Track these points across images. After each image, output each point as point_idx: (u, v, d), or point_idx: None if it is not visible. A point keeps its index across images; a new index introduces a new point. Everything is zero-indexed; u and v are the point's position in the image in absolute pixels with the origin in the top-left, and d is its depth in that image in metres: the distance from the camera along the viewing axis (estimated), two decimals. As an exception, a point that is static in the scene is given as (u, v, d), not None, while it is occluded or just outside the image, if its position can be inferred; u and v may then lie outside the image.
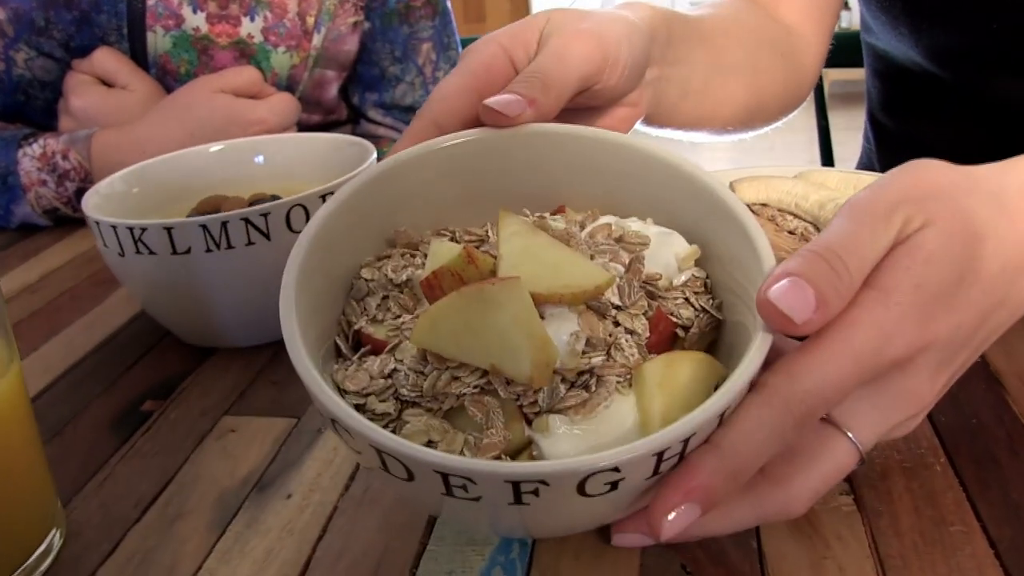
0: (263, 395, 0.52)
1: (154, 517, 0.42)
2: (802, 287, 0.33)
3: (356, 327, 0.39)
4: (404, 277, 0.40)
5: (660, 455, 0.31)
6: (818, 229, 0.62)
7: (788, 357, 0.33)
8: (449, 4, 1.08)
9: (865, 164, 1.03)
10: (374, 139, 1.07)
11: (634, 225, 0.42)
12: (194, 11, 0.90)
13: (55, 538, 0.40)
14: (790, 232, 0.63)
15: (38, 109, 0.94)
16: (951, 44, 0.81)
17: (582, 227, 0.42)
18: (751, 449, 0.32)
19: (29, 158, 0.83)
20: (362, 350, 0.39)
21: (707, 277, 0.41)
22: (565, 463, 0.30)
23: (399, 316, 0.39)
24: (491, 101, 0.43)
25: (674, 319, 0.38)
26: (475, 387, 0.36)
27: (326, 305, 0.40)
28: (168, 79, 0.92)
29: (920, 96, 0.90)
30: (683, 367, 0.36)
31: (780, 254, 0.57)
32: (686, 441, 0.31)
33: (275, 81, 0.95)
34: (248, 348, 0.57)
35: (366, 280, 0.41)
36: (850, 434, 0.35)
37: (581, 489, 0.31)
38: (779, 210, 0.66)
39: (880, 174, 0.48)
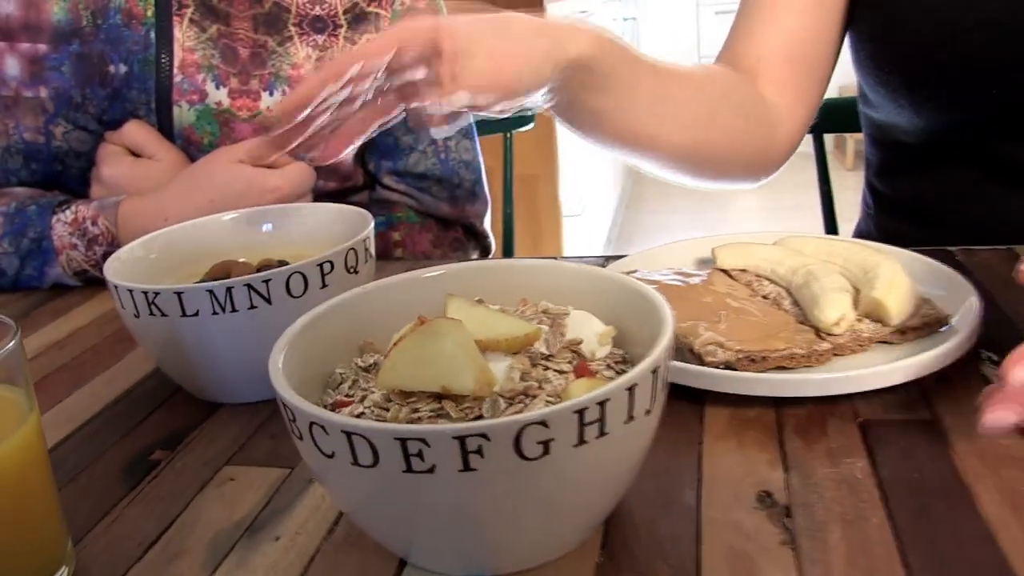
0: (262, 447, 0.56)
1: (154, 556, 0.46)
2: None
3: (332, 401, 0.45)
4: (371, 362, 0.48)
5: (581, 413, 0.36)
6: (790, 294, 0.66)
7: None
8: (461, 77, 1.14)
9: (863, 229, 1.07)
10: (388, 204, 1.13)
11: (559, 306, 0.50)
12: (217, 87, 0.96)
13: (64, 574, 0.44)
14: (764, 296, 0.67)
15: (73, 177, 1.00)
16: (952, 113, 0.85)
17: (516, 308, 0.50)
18: None
19: (62, 223, 0.89)
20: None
21: (625, 353, 0.48)
22: (501, 419, 0.36)
23: (365, 388, 0.45)
24: None
25: (597, 374, 0.44)
26: (430, 412, 0.42)
27: (307, 395, 0.45)
28: (192, 149, 0.98)
29: (918, 164, 0.94)
30: (600, 383, 0.41)
31: (750, 318, 0.61)
32: (602, 404, 0.37)
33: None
34: (251, 404, 0.61)
35: (340, 372, 0.48)
36: None
37: (519, 448, 0.35)
38: (756, 275, 0.70)
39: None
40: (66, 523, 0.46)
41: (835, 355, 0.59)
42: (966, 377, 0.56)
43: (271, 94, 0.98)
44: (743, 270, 0.71)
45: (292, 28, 0.99)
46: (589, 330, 0.47)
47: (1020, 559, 0.41)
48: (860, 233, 1.07)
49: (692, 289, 0.67)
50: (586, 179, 2.86)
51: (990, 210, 0.88)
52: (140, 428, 0.60)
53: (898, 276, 0.62)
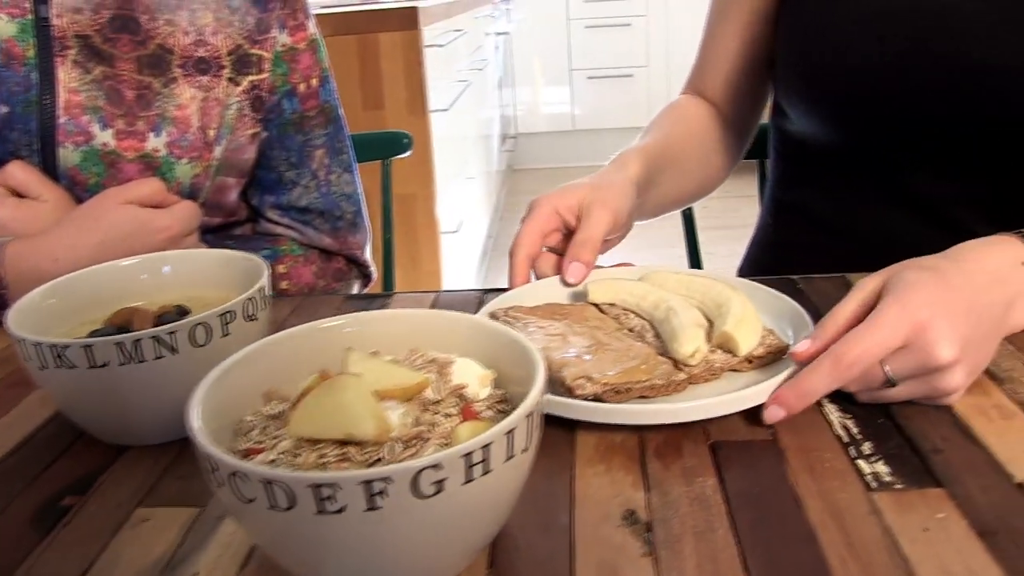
0: (171, 487, 0.60)
1: (78, 598, 0.50)
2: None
3: (243, 448, 0.50)
4: (278, 410, 0.53)
5: (469, 456, 0.42)
6: (653, 327, 0.74)
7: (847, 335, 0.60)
8: (341, 112, 1.18)
9: (760, 236, 1.17)
10: (273, 236, 1.17)
11: (444, 355, 0.56)
12: (102, 128, 0.98)
13: (-8, 619, 0.48)
14: (630, 329, 0.74)
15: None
16: (860, 136, 0.96)
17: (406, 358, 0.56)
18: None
19: (-54, 267, 0.90)
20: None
21: (504, 392, 0.54)
22: (401, 464, 0.42)
23: (275, 435, 0.50)
24: (570, 270, 0.81)
25: (482, 417, 0.50)
26: (336, 456, 0.47)
27: (219, 444, 0.50)
28: (77, 190, 0.99)
29: (822, 177, 1.04)
30: (486, 426, 0.48)
31: (615, 352, 0.68)
32: (486, 447, 0.43)
33: (179, 190, 1.03)
34: (157, 445, 0.65)
35: (248, 420, 0.53)
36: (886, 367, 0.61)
37: (416, 488, 0.41)
38: (624, 309, 0.77)
39: (714, 275, 0.70)
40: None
41: (691, 383, 0.67)
42: (800, 399, 0.64)
43: (157, 135, 1.00)
44: (612, 304, 0.78)
45: (176, 69, 1.02)
46: (472, 374, 0.53)
47: (835, 555, 0.49)
48: (757, 243, 1.17)
49: (566, 324, 0.74)
50: (462, 197, 2.93)
51: (887, 231, 0.99)
52: (46, 474, 0.63)
53: (747, 311, 0.70)
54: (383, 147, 1.53)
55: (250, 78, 1.06)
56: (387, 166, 1.54)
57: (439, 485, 0.42)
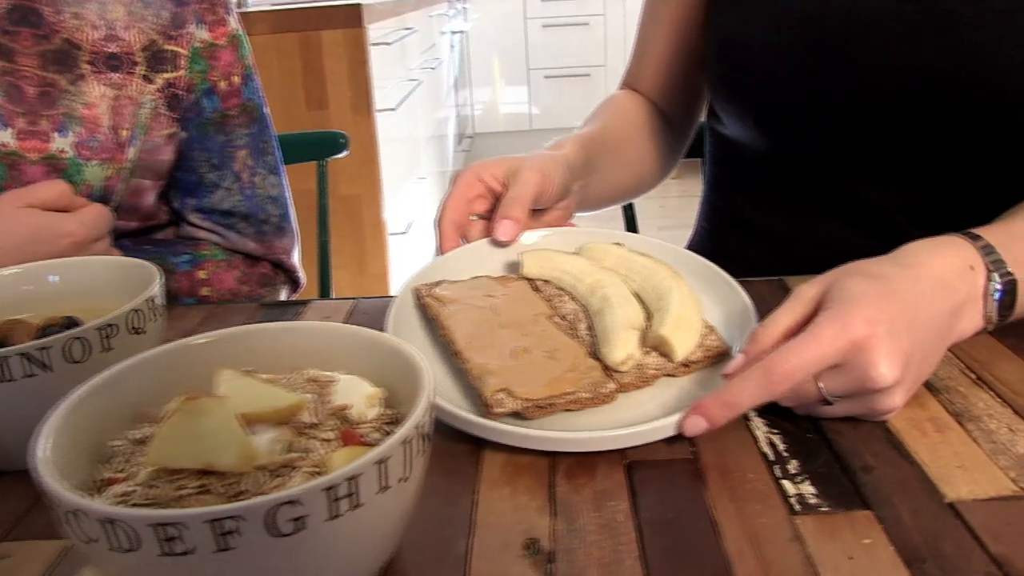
0: (42, 518, 0.55)
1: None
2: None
3: (103, 477, 0.45)
4: (145, 435, 0.48)
5: (331, 490, 0.38)
6: (588, 315, 0.69)
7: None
8: (266, 111, 1.13)
9: (696, 241, 1.13)
10: (194, 241, 1.11)
11: (327, 373, 0.50)
12: (3, 127, 0.93)
13: None
14: (562, 317, 0.70)
15: None
16: (792, 144, 0.93)
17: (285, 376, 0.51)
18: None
19: None
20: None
21: (396, 412, 0.49)
22: (253, 500, 0.37)
23: (137, 464, 0.45)
24: (499, 228, 0.77)
25: (365, 439, 0.46)
26: (195, 488, 0.42)
27: (76, 472, 0.45)
28: (-24, 193, 0.94)
29: (756, 182, 1.01)
30: (362, 451, 0.43)
31: (542, 358, 0.64)
32: (353, 479, 0.38)
33: (89, 193, 0.98)
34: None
35: (113, 445, 0.48)
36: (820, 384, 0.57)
37: (272, 526, 0.37)
38: (559, 289, 0.73)
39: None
40: None
41: (621, 391, 0.63)
42: (725, 413, 0.60)
43: (63, 135, 0.95)
44: (547, 281, 0.74)
45: (85, 66, 0.97)
46: (358, 394, 0.49)
47: (752, 592, 0.45)
48: (692, 248, 1.14)
49: (494, 314, 0.69)
50: (412, 198, 2.88)
51: (822, 237, 0.96)
52: (-89, 502, 0.58)
53: (686, 309, 0.66)
54: (319, 147, 1.48)
55: (165, 75, 1.01)
56: (323, 167, 1.49)
57: (299, 522, 0.38)
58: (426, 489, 0.51)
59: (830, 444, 0.58)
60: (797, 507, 0.51)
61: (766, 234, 1.00)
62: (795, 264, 0.85)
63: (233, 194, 1.10)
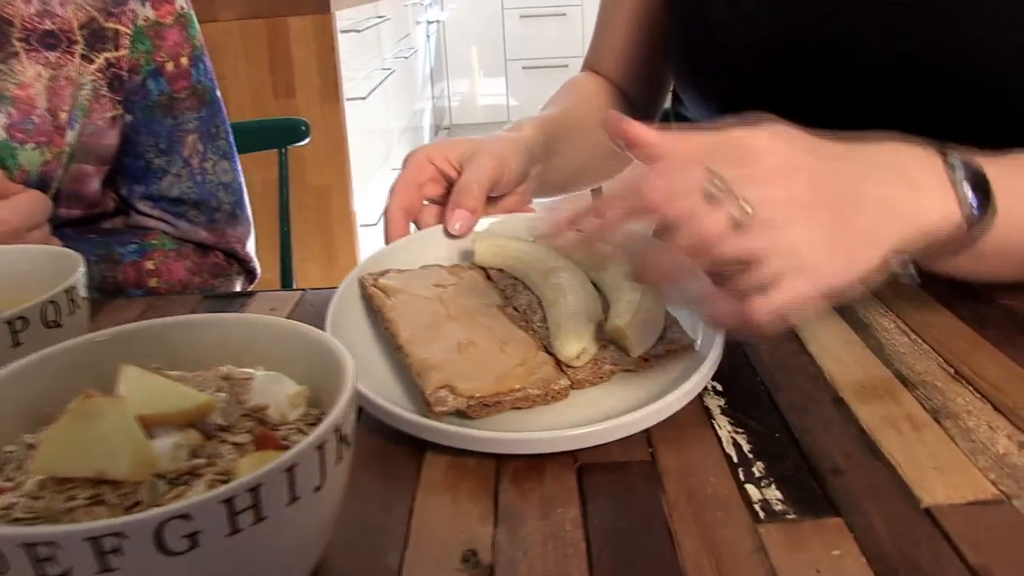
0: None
1: None
2: None
3: None
4: (36, 440, 0.43)
5: (230, 502, 0.33)
6: (542, 306, 0.65)
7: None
8: (218, 94, 1.08)
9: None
10: (145, 230, 1.06)
11: (246, 370, 0.45)
12: (-71, 108, 0.88)
13: None
14: (515, 308, 0.65)
15: None
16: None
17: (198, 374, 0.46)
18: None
19: None
20: None
21: (322, 412, 0.44)
22: (137, 515, 0.32)
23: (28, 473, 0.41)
24: (452, 219, 0.72)
25: (285, 442, 0.41)
26: (88, 499, 0.38)
27: None
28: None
29: None
30: (273, 456, 0.38)
31: (490, 351, 0.60)
32: (254, 490, 0.34)
33: (25, 179, 0.92)
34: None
35: (8, 451, 0.43)
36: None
37: (161, 544, 0.32)
38: (513, 279, 0.68)
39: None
40: None
41: (574, 388, 0.58)
42: (687, 411, 0.56)
43: (-5, 116, 0.90)
44: (500, 270, 0.70)
45: (17, 43, 0.91)
46: (280, 392, 0.44)
47: (709, 610, 0.41)
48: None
49: (442, 305, 0.65)
50: (382, 189, 2.83)
51: None
52: None
53: (646, 299, 0.61)
54: (280, 134, 1.43)
55: (106, 55, 0.96)
56: (284, 155, 1.44)
57: (192, 539, 0.33)
58: (358, 495, 0.47)
59: (798, 444, 0.53)
60: (762, 514, 0.47)
61: None
62: None
63: (183, 180, 1.05)
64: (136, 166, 1.03)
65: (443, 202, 0.77)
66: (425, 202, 0.77)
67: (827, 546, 0.45)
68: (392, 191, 0.75)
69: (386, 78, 2.80)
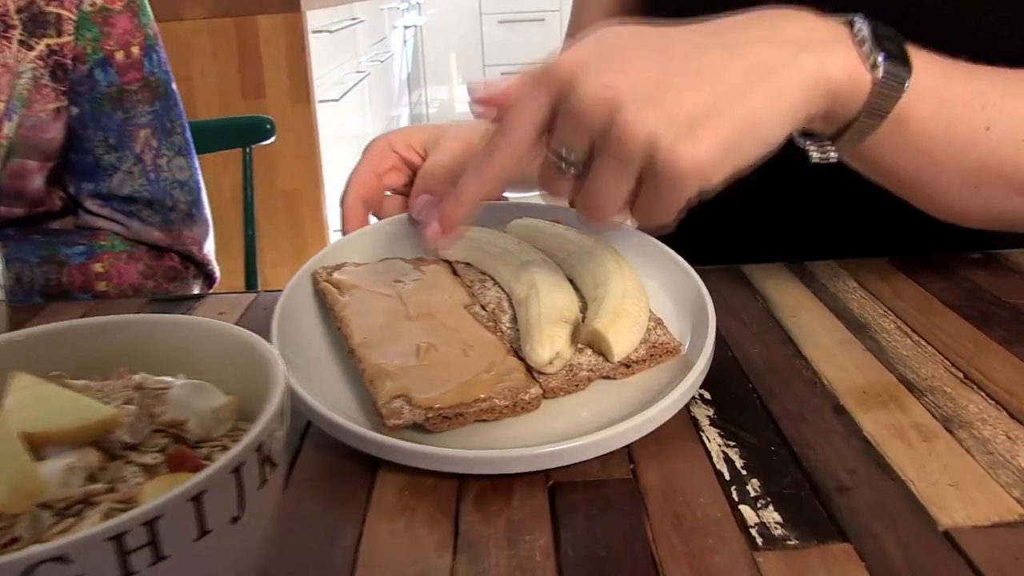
0: None
1: None
2: None
3: None
4: None
5: (119, 539, 0.27)
6: (511, 303, 0.59)
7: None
8: (174, 87, 1.02)
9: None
10: (94, 231, 1.00)
11: (164, 378, 0.39)
12: None
13: None
14: (483, 307, 0.60)
15: None
16: None
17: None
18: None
19: None
20: None
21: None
22: (5, 557, 0.26)
23: None
24: (416, 206, 0.67)
25: (205, 462, 0.35)
26: None
27: None
28: None
29: None
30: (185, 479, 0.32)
31: (453, 355, 0.54)
32: (151, 523, 0.28)
33: (-42, 174, 0.86)
34: None
35: None
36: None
37: None
38: (482, 274, 0.63)
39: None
40: None
41: (547, 397, 0.53)
42: (673, 423, 0.50)
43: (-75, 107, 0.83)
44: (468, 264, 0.64)
45: (-50, 30, 0.85)
46: (203, 404, 0.38)
47: (701, 657, 0.35)
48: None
49: (401, 303, 0.59)
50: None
51: (770, 226, 0.87)
52: None
53: (628, 299, 0.56)
54: (243, 133, 1.37)
55: (47, 41, 0.89)
56: (248, 154, 1.38)
57: None
58: (299, 521, 0.41)
59: (797, 459, 0.48)
60: (759, 540, 0.41)
61: (716, 212, 0.91)
62: (752, 247, 0.78)
63: (135, 178, 0.98)
64: (84, 162, 0.97)
65: (406, 192, 0.71)
66: (388, 193, 0.72)
67: (834, 575, 0.39)
68: (349, 180, 0.69)
69: (360, 80, 2.74)
